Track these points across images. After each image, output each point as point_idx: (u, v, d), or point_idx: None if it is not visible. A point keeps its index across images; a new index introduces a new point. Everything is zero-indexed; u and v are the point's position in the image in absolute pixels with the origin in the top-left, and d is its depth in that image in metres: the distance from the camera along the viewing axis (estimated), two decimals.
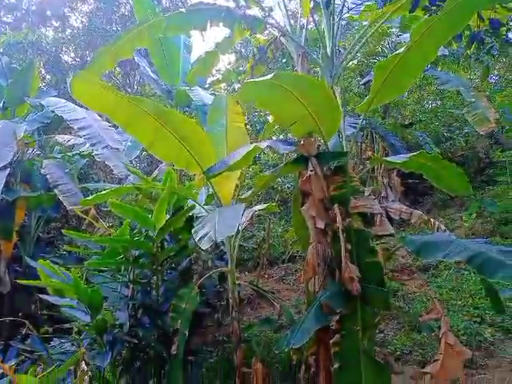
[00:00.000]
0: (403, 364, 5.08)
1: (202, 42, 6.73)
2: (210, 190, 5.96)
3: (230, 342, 6.20)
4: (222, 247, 6.69)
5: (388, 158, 4.45)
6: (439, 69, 9.05)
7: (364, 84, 7.83)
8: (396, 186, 7.78)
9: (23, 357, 4.83)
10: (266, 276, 8.50)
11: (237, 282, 4.80)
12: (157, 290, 4.36)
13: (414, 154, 3.83)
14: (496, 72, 11.89)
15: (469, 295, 6.24)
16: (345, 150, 4.12)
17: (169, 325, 4.01)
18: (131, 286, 4.54)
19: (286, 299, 7.27)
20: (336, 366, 3.30)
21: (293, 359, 4.34)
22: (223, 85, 10.92)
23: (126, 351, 4.24)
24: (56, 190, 5.59)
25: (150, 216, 3.97)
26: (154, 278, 4.61)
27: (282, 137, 8.69)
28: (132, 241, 3.85)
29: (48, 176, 5.76)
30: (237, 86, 9.49)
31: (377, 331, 5.39)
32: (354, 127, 4.72)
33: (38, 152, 6.73)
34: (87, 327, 3.99)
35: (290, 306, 6.84)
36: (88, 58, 11.71)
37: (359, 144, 8.37)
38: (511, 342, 5.13)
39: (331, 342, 3.36)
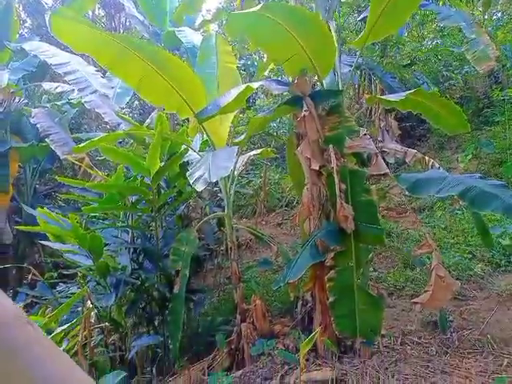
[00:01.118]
0: (396, 298, 5.32)
1: None
2: (205, 136, 5.90)
3: (231, 283, 6.47)
4: (220, 195, 6.75)
5: (385, 97, 4.34)
6: (440, 3, 8.60)
7: (361, 20, 7.45)
8: (393, 129, 7.69)
9: (31, 302, 5.05)
10: (264, 222, 8.66)
11: (234, 226, 4.88)
12: (156, 234, 4.43)
13: (412, 91, 3.74)
14: (499, 8, 11.33)
15: (461, 233, 6.40)
16: (340, 89, 4.00)
17: (170, 267, 4.13)
18: (131, 231, 4.62)
19: (284, 243, 7.46)
20: (331, 299, 3.46)
21: (290, 296, 4.54)
22: (214, 25, 10.39)
23: (130, 292, 4.41)
24: (48, 140, 5.50)
25: (143, 161, 3.94)
26: (153, 223, 4.68)
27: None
28: (128, 186, 3.85)
29: (38, 126, 5.64)
30: None
31: (371, 269, 5.60)
32: (350, 65, 4.56)
33: (26, 101, 6.53)
34: (90, 271, 4.11)
35: (288, 248, 7.03)
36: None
37: (356, 86, 8.14)
38: (500, 275, 5.34)
39: (326, 277, 3.50)
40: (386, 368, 3.37)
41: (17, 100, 6.15)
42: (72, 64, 4.79)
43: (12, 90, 5.90)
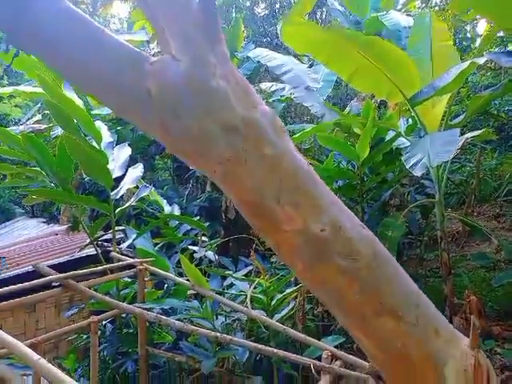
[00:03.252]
0: None
1: None
2: (409, 120, 5.64)
3: (434, 275, 6.05)
4: (423, 181, 6.36)
5: None
6: None
7: None
8: None
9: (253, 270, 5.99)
10: (475, 214, 7.67)
11: (446, 215, 4.55)
12: (362, 218, 4.58)
13: None
14: None
15: None
16: None
17: None
18: None
19: (502, 239, 6.47)
20: None
21: None
22: (418, 2, 9.65)
23: None
24: None
25: (353, 148, 4.12)
26: (356, 207, 4.83)
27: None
28: (338, 170, 4.11)
29: None
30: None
31: None
32: None
33: None
34: None
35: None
36: (277, 6, 12.15)
37: None
38: None
39: None
40: None
41: None
42: (288, 64, 5.36)
43: None
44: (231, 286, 3.76)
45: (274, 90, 7.04)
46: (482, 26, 8.35)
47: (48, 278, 2.39)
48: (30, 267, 3.38)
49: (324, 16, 12.86)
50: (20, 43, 0.89)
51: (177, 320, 2.75)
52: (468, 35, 8.28)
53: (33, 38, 0.86)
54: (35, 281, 2.29)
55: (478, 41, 8.00)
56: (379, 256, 0.88)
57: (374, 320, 0.85)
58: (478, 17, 7.10)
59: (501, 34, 6.61)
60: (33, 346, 1.93)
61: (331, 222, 0.85)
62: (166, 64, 0.83)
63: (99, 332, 2.93)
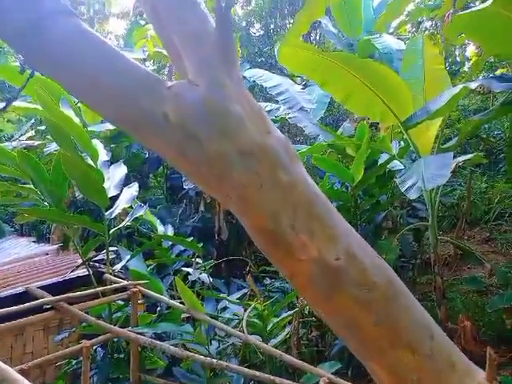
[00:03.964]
0: None
1: None
2: (401, 142, 5.72)
3: (427, 299, 6.02)
4: (415, 204, 6.41)
5: None
6: None
7: None
8: None
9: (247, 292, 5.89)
10: (466, 237, 7.73)
11: (439, 239, 4.58)
12: None
13: None
14: None
15: None
16: None
17: None
18: None
19: (494, 263, 6.50)
20: None
21: (507, 324, 3.98)
22: (408, 26, 9.93)
23: None
24: None
25: (348, 170, 4.15)
26: None
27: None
28: (332, 192, 4.13)
29: None
30: (427, 24, 8.44)
31: None
32: None
33: None
34: None
35: (503, 268, 6.10)
36: (271, 26, 12.45)
37: None
38: None
39: None
40: None
41: None
42: (283, 85, 5.45)
43: None
44: (225, 309, 3.69)
45: (269, 110, 7.11)
46: (471, 50, 8.63)
47: (40, 300, 2.31)
48: (21, 288, 3.28)
49: (318, 37, 13.19)
50: (32, 63, 0.88)
51: (171, 345, 2.67)
52: (458, 59, 8.53)
53: (45, 57, 0.85)
54: (27, 304, 2.21)
55: (467, 65, 8.27)
56: (394, 286, 0.86)
57: (390, 352, 0.83)
58: (467, 41, 7.35)
59: (490, 58, 6.84)
60: (22, 373, 1.84)
61: (346, 250, 0.83)
62: (183, 88, 0.83)
63: (90, 357, 2.83)
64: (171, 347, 2.57)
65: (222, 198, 0.89)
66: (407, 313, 0.86)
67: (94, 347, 3.14)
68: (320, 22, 8.69)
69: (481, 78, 4.01)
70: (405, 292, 0.89)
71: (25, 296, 2.50)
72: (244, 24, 11.70)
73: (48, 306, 2.45)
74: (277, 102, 6.28)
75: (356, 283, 0.82)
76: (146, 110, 0.80)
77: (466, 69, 7.18)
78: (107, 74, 0.82)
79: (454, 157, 4.71)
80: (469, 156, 4.79)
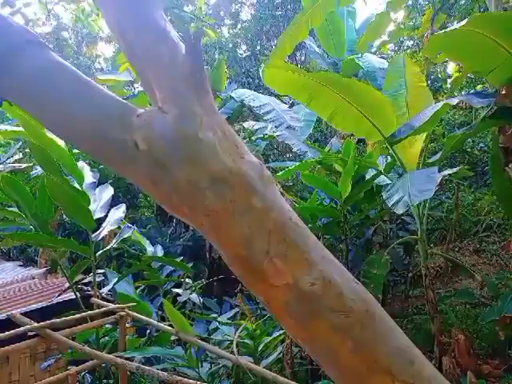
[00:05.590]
0: None
1: (364, 6, 6.48)
2: (388, 158, 5.80)
3: (421, 313, 6.01)
4: (404, 217, 6.45)
5: None
6: None
7: None
8: None
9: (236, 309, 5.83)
10: (456, 249, 7.79)
11: (429, 252, 4.60)
12: (346, 256, 4.57)
13: None
14: None
15: None
16: None
17: None
18: None
19: (484, 273, 6.53)
20: None
21: (500, 336, 3.96)
22: (390, 45, 10.23)
23: None
24: None
25: (336, 186, 4.18)
26: (341, 246, 4.85)
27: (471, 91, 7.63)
28: (321, 208, 4.14)
29: None
30: (408, 43, 8.69)
31: None
32: None
33: None
34: None
35: (493, 279, 6.13)
36: (258, 48, 12.68)
37: None
38: None
39: None
40: None
41: None
42: (270, 104, 5.53)
43: None
44: (216, 329, 3.64)
45: (257, 129, 7.19)
46: (452, 67, 8.89)
47: (23, 328, 2.25)
48: (4, 315, 3.20)
49: (303, 58, 13.44)
50: (2, 95, 0.88)
51: (161, 369, 2.61)
52: (439, 76, 8.76)
53: (15, 91, 0.86)
54: (8, 332, 2.15)
55: (449, 81, 8.50)
56: (371, 311, 0.86)
57: (368, 378, 0.82)
58: (447, 59, 7.56)
59: (471, 75, 7.02)
60: None
61: (321, 275, 0.83)
62: (152, 116, 0.83)
63: (77, 383, 2.76)
64: (160, 372, 2.51)
65: (197, 226, 0.88)
66: (386, 338, 0.85)
67: (82, 373, 3.06)
68: (305, 42, 8.89)
69: (463, 93, 4.10)
70: (383, 316, 0.88)
71: (9, 322, 2.44)
72: (231, 45, 11.92)
73: (33, 333, 2.39)
74: (265, 120, 6.36)
75: (332, 309, 0.82)
76: (117, 139, 0.81)
77: (448, 85, 7.38)
78: (79, 107, 0.83)
79: (440, 170, 4.79)
80: (455, 169, 4.86)
